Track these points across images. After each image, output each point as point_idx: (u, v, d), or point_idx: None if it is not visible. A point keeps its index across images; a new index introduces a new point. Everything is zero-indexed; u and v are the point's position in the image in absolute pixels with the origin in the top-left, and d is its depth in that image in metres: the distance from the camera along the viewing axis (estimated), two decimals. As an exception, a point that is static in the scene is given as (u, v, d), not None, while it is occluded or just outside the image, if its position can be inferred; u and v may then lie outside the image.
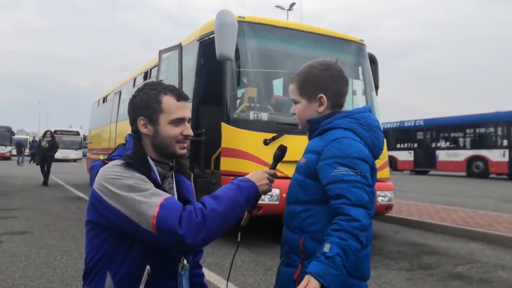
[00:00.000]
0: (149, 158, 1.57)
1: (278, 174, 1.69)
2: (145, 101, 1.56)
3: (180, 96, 1.59)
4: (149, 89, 1.58)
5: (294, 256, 1.60)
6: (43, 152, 14.43)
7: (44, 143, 14.56)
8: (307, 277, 1.40)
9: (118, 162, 1.49)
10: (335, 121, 1.63)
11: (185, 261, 1.58)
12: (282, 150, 1.70)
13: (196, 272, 1.81)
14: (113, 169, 1.47)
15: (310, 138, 1.71)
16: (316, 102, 1.66)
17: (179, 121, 1.57)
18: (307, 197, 1.59)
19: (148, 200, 1.38)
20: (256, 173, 1.58)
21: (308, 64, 1.71)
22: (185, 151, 1.61)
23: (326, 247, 1.42)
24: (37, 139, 38.36)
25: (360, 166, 1.51)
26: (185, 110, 1.60)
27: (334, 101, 1.67)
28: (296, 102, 1.71)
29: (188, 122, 1.63)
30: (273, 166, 1.68)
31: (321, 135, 1.64)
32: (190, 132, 1.60)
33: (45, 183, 14.20)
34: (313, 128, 1.68)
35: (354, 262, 1.44)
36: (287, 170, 5.31)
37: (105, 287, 1.47)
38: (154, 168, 1.57)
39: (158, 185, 1.51)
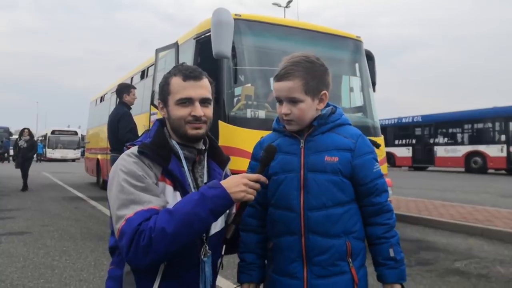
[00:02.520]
0: (174, 143, 1.56)
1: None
2: (161, 85, 1.59)
3: (187, 75, 1.53)
4: (167, 73, 1.60)
5: (342, 262, 1.52)
6: (22, 152, 12.72)
7: (22, 143, 12.80)
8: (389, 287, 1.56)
9: (135, 150, 1.50)
10: (341, 117, 1.63)
11: (207, 248, 1.51)
12: (269, 152, 1.53)
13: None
14: (124, 160, 1.48)
15: (309, 135, 1.57)
16: (317, 100, 1.56)
17: (185, 102, 1.52)
18: (347, 197, 1.55)
19: (121, 212, 1.37)
20: (231, 178, 1.42)
21: (303, 58, 1.55)
22: (198, 131, 1.54)
23: (391, 252, 1.56)
24: (3, 138, 35.08)
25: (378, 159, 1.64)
26: (193, 89, 1.52)
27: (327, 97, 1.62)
28: (297, 101, 1.53)
29: (204, 102, 1.55)
30: (260, 170, 1.50)
31: (332, 130, 1.59)
32: (198, 112, 1.52)
33: (25, 187, 12.65)
34: (320, 123, 1.58)
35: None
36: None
37: (123, 272, 1.48)
38: (180, 152, 1.55)
39: (176, 177, 1.49)
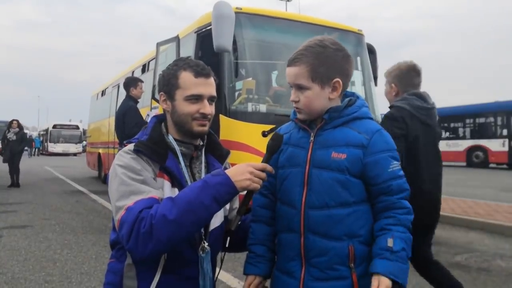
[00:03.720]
0: (171, 140, 1.54)
1: None
2: (166, 77, 1.56)
3: (199, 72, 1.52)
4: (173, 65, 1.57)
5: (342, 267, 1.41)
6: (11, 146, 11.68)
7: (10, 135, 11.75)
8: (376, 278, 1.34)
9: (131, 147, 1.49)
10: (360, 110, 1.49)
11: (205, 244, 1.50)
12: (277, 140, 1.49)
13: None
14: (121, 156, 1.48)
15: (321, 128, 1.49)
16: (328, 88, 1.46)
17: (195, 98, 1.51)
18: (354, 198, 1.42)
19: (120, 203, 1.37)
20: (237, 167, 1.40)
21: (316, 42, 1.46)
22: (204, 128, 1.54)
23: (390, 242, 1.36)
24: None
25: (398, 157, 1.49)
26: (204, 87, 1.52)
27: (344, 86, 1.49)
28: (303, 88, 1.46)
29: (211, 100, 1.55)
30: (266, 159, 1.47)
31: (346, 124, 1.47)
32: (207, 110, 1.52)
33: (16, 184, 11.73)
34: (332, 116, 1.47)
35: None
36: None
37: (124, 265, 1.48)
38: (177, 149, 1.54)
39: (173, 173, 1.49)
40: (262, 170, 1.42)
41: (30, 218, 7.12)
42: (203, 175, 1.57)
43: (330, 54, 1.44)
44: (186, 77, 1.52)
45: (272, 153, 1.49)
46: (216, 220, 1.56)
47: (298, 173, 1.47)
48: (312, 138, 1.49)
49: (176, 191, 1.47)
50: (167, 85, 1.55)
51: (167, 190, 1.48)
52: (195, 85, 1.51)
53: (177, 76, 1.53)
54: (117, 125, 6.37)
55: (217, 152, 1.68)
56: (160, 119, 1.62)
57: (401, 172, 1.46)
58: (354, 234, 1.41)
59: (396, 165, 1.44)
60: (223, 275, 4.06)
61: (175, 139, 1.55)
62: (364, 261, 1.42)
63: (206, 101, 1.53)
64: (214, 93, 1.56)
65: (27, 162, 23.30)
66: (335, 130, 1.46)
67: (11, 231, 6.13)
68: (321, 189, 1.43)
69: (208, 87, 1.54)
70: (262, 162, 1.46)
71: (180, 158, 1.54)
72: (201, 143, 1.62)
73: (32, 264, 4.52)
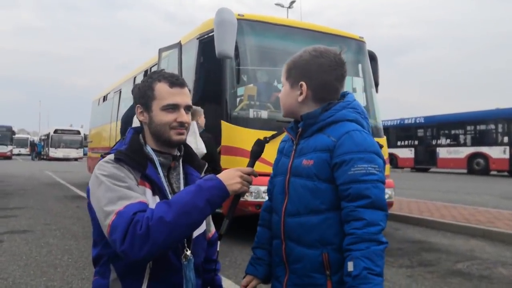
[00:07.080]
0: (149, 150, 1.56)
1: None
2: (142, 90, 1.58)
3: (173, 82, 1.55)
4: (148, 77, 1.60)
5: (317, 275, 1.42)
6: None
7: None
8: None
9: (111, 157, 1.50)
10: (337, 113, 1.47)
11: (188, 252, 1.52)
12: (260, 145, 1.55)
13: (208, 267, 1.73)
14: (102, 166, 1.48)
15: (301, 136, 1.53)
16: (297, 90, 1.51)
17: (172, 108, 1.54)
18: (325, 205, 1.41)
19: (109, 208, 1.36)
20: (227, 171, 1.45)
21: (305, 48, 1.57)
22: (181, 137, 1.57)
23: (350, 266, 1.31)
24: None
25: (377, 161, 1.39)
26: (179, 96, 1.56)
27: (317, 93, 1.50)
28: (283, 85, 1.59)
29: (187, 109, 1.58)
30: (251, 164, 1.53)
31: (322, 131, 1.47)
32: (184, 118, 1.55)
33: None
34: (308, 123, 1.50)
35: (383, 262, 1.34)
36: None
37: (109, 280, 1.48)
38: (156, 159, 1.55)
39: (154, 182, 1.50)
40: (249, 174, 1.47)
41: (31, 223, 7.11)
42: (181, 185, 1.61)
43: (306, 59, 1.51)
44: (161, 87, 1.55)
45: (256, 158, 1.56)
46: (199, 228, 1.58)
47: (281, 182, 1.55)
48: (294, 147, 1.54)
49: (157, 199, 1.49)
50: (143, 97, 1.57)
51: (149, 198, 1.48)
52: (170, 95, 1.54)
53: (152, 87, 1.56)
54: (125, 129, 6.37)
55: (195, 162, 1.72)
56: (137, 130, 1.64)
57: (367, 177, 1.35)
58: (327, 241, 1.41)
59: (360, 169, 1.35)
60: (224, 282, 4.05)
61: (153, 150, 1.58)
62: (341, 268, 1.38)
63: (182, 110, 1.56)
64: (189, 102, 1.60)
65: (28, 167, 23.30)
66: (311, 138, 1.49)
67: (12, 236, 6.13)
68: (295, 197, 1.47)
69: (184, 96, 1.57)
70: (247, 166, 1.51)
71: (159, 168, 1.56)
72: (179, 154, 1.65)
73: (33, 270, 4.51)
